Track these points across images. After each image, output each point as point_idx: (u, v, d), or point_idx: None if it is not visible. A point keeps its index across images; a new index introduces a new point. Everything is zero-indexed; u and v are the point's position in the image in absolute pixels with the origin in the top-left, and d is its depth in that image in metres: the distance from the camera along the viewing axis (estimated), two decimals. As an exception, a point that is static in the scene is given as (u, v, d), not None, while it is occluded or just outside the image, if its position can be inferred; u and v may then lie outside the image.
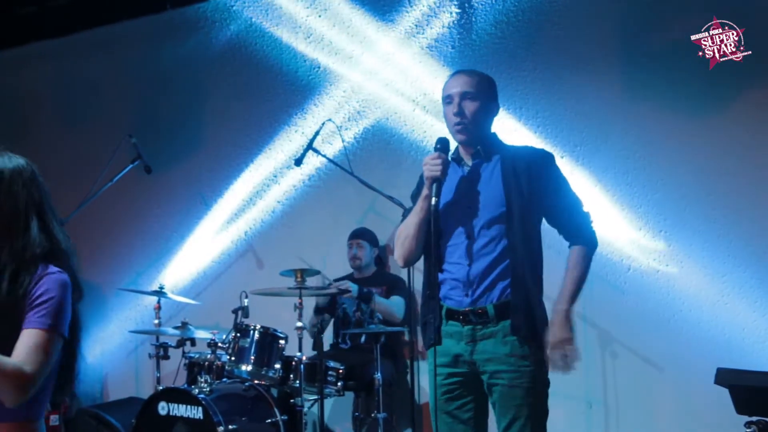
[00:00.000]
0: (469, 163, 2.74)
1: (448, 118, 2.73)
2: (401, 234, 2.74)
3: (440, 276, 2.69)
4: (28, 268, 1.91)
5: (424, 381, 4.87)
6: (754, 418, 2.91)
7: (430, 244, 2.67)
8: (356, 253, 4.82)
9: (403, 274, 4.59)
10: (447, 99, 2.73)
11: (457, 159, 2.77)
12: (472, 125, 2.68)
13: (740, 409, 3.02)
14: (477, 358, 2.62)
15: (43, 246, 1.95)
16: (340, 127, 5.04)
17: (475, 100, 2.69)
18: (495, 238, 2.63)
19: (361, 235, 4.85)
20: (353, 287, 4.50)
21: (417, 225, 2.67)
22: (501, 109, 2.85)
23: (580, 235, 2.71)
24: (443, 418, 2.68)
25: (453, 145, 2.76)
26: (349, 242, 4.86)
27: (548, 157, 2.76)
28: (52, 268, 1.94)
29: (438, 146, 2.67)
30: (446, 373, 2.67)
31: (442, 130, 4.90)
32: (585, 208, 2.75)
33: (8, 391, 1.82)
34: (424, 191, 2.63)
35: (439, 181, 2.60)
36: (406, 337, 4.79)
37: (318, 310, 4.89)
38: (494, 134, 2.79)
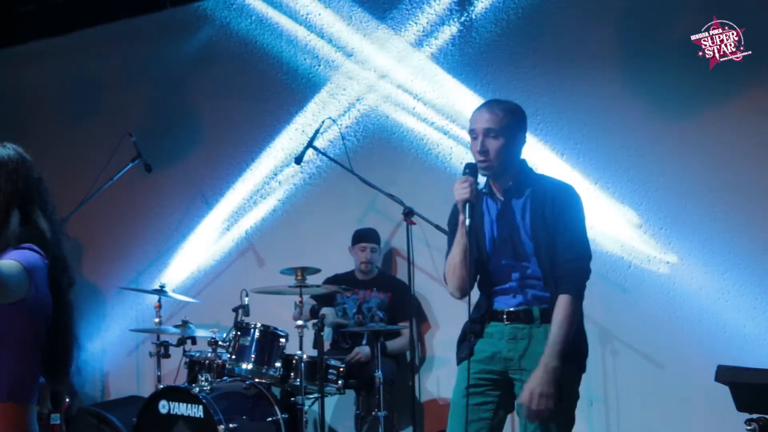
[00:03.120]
0: (501, 197, 2.76)
1: (473, 152, 2.75)
2: (449, 266, 2.75)
3: (494, 288, 2.75)
4: None
5: (425, 379, 4.88)
6: (755, 416, 2.91)
7: (482, 270, 2.73)
8: (371, 257, 4.78)
9: (403, 276, 4.58)
10: (472, 133, 2.74)
11: (489, 192, 2.79)
12: (496, 163, 2.69)
13: (741, 406, 3.02)
14: (514, 355, 2.66)
15: (20, 237, 1.95)
16: (341, 125, 5.03)
17: (499, 138, 2.68)
18: (533, 269, 2.69)
19: (374, 238, 4.81)
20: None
21: (461, 253, 2.69)
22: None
23: (570, 281, 2.64)
24: (462, 411, 2.67)
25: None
26: (360, 245, 4.79)
27: (572, 194, 2.74)
28: (24, 245, 1.94)
29: (467, 171, 2.70)
30: (479, 368, 2.70)
31: (442, 128, 4.94)
32: (587, 255, 2.69)
33: None
34: (460, 217, 2.67)
35: (470, 202, 2.64)
36: (407, 337, 4.78)
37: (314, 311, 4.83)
38: (523, 162, 2.80)
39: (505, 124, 2.70)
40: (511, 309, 2.69)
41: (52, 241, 2.02)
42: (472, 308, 2.76)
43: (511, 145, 2.71)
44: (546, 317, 2.65)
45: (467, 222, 2.62)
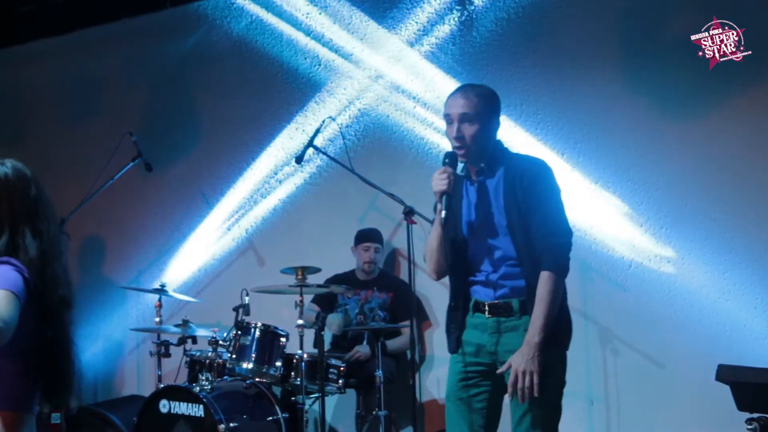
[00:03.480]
0: (476, 179, 2.79)
1: (449, 137, 2.78)
2: (427, 250, 2.84)
3: (470, 278, 2.78)
4: None
5: (425, 378, 4.88)
6: (756, 415, 2.92)
7: (457, 253, 2.77)
8: (374, 257, 4.78)
9: (404, 275, 4.58)
10: (447, 118, 2.77)
11: (467, 175, 2.81)
12: (473, 147, 2.72)
13: (741, 405, 3.02)
14: (500, 350, 2.69)
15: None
16: (341, 124, 5.03)
17: (474, 123, 2.71)
18: (507, 248, 2.71)
19: (377, 238, 4.81)
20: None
21: (437, 240, 2.77)
22: (501, 105, 2.85)
23: (548, 257, 2.64)
24: (457, 404, 2.74)
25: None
26: (364, 245, 4.79)
27: (541, 168, 2.76)
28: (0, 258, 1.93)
29: (446, 161, 2.73)
30: (467, 361, 2.73)
31: (442, 127, 4.93)
32: (564, 229, 2.70)
33: None
34: (438, 206, 2.72)
35: (447, 194, 2.68)
36: (407, 336, 4.78)
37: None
38: (499, 143, 2.82)
39: (480, 109, 2.72)
40: (493, 301, 2.72)
41: (40, 260, 1.99)
42: (449, 298, 2.84)
43: (485, 130, 2.74)
44: (525, 309, 2.67)
45: (443, 213, 2.67)
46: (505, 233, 2.70)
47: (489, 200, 2.75)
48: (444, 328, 2.92)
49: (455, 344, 2.78)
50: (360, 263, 4.82)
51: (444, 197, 2.67)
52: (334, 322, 4.42)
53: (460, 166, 2.75)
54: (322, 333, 4.10)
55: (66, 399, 2.05)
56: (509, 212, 2.69)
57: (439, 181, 2.68)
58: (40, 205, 2.04)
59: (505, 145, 2.85)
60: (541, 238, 2.65)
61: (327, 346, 4.60)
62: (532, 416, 2.63)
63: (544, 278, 2.62)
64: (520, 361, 2.57)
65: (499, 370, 2.65)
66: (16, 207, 1.97)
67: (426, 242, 2.85)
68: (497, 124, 2.81)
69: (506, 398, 2.75)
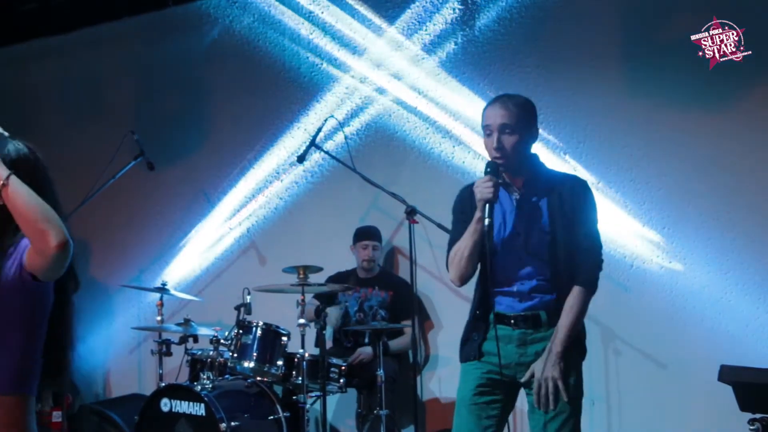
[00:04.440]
0: (520, 190, 2.77)
1: (487, 149, 2.76)
2: (456, 254, 2.77)
3: (496, 289, 2.76)
4: (2, 255, 1.90)
5: (427, 378, 4.88)
6: (758, 415, 2.91)
7: (485, 261, 2.74)
8: (372, 255, 4.78)
9: (406, 275, 4.58)
10: (486, 130, 2.75)
11: (506, 185, 2.79)
12: (514, 158, 2.71)
13: (744, 406, 3.02)
14: (525, 361, 2.69)
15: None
16: (343, 123, 5.03)
17: (514, 134, 2.70)
18: (543, 262, 2.70)
19: (375, 236, 4.82)
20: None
21: (472, 247, 2.71)
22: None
23: (583, 273, 2.70)
24: (471, 409, 2.73)
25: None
26: (362, 243, 4.80)
27: (587, 187, 2.80)
28: None
29: (488, 170, 2.70)
30: (488, 369, 2.72)
31: (444, 127, 4.94)
32: (600, 249, 2.76)
33: (57, 228, 1.81)
34: (477, 213, 2.67)
35: (491, 203, 2.65)
36: (409, 336, 4.78)
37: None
38: (536, 156, 2.82)
39: (519, 119, 2.71)
40: (519, 313, 2.71)
41: None
42: (472, 304, 2.82)
43: (525, 140, 2.73)
44: (553, 321, 2.67)
45: (486, 222, 2.64)
46: (545, 248, 2.69)
47: (532, 213, 2.73)
48: (446, 328, 2.92)
49: (477, 353, 2.74)
50: (359, 261, 4.83)
51: (487, 206, 2.64)
52: (332, 314, 4.45)
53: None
54: (324, 332, 4.10)
55: (62, 377, 2.05)
56: (554, 227, 2.69)
57: (485, 189, 2.64)
58: (55, 189, 2.04)
59: (541, 159, 2.85)
60: (582, 253, 2.70)
61: (328, 346, 4.60)
62: (561, 420, 2.65)
63: (576, 292, 2.67)
64: (542, 368, 2.61)
65: (523, 379, 2.67)
66: (39, 186, 1.96)
67: (453, 247, 2.79)
68: (536, 132, 2.80)
69: (522, 407, 2.78)
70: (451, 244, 2.81)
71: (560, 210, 2.70)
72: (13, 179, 1.85)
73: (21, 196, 1.84)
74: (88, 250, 5.81)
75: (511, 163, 2.72)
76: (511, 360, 2.70)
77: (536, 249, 2.70)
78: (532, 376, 2.64)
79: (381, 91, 5.16)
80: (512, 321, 2.71)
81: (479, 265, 2.78)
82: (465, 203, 2.78)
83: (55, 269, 1.87)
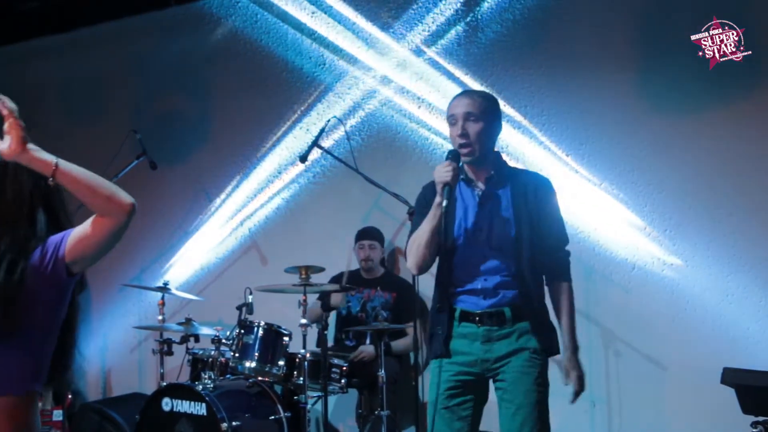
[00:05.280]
0: (482, 186, 2.79)
1: (452, 138, 2.80)
2: (414, 242, 2.78)
3: (457, 289, 2.77)
4: (27, 256, 1.89)
5: (428, 379, 4.87)
6: (761, 418, 2.92)
7: (444, 255, 2.76)
8: (369, 254, 4.79)
9: (407, 275, 4.58)
10: (451, 119, 2.80)
11: (467, 180, 2.81)
12: (477, 146, 2.75)
13: (746, 409, 3.02)
14: (490, 357, 2.71)
15: (45, 238, 1.94)
16: (346, 124, 5.03)
17: (479, 122, 2.75)
18: (506, 258, 2.73)
19: (373, 235, 4.82)
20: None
21: (430, 232, 2.71)
22: (507, 106, 2.88)
23: (563, 269, 2.82)
24: (442, 413, 2.74)
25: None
26: (360, 242, 4.81)
27: (551, 185, 2.88)
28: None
29: (449, 156, 2.74)
30: (456, 370, 2.73)
31: (445, 127, 4.92)
32: (567, 243, 2.86)
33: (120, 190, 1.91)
34: (437, 198, 2.67)
35: (449, 186, 2.66)
36: (411, 337, 4.78)
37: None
38: (498, 154, 2.88)
39: (484, 109, 2.77)
40: (484, 311, 2.72)
41: None
42: (432, 298, 2.85)
43: (489, 130, 2.78)
44: (517, 316, 2.71)
45: (444, 204, 2.64)
46: (510, 243, 2.72)
47: (496, 209, 2.75)
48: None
49: (443, 348, 2.75)
50: (359, 261, 4.83)
51: (446, 189, 2.66)
52: (336, 296, 4.46)
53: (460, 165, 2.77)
54: (325, 332, 4.10)
55: (65, 376, 2.05)
56: (519, 224, 2.73)
57: (444, 172, 2.66)
58: (63, 188, 2.05)
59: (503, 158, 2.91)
60: (554, 251, 2.80)
61: (330, 345, 4.60)
62: (528, 410, 2.69)
63: (565, 288, 2.80)
64: (576, 367, 2.73)
65: (569, 383, 2.74)
66: (47, 185, 1.97)
67: (414, 234, 2.79)
68: (499, 128, 2.85)
69: (491, 403, 2.80)
70: (411, 236, 2.83)
71: (524, 205, 2.75)
72: (61, 161, 1.86)
73: (74, 172, 1.88)
74: (90, 249, 5.79)
75: (476, 152, 2.74)
76: (476, 357, 2.72)
77: (499, 244, 2.73)
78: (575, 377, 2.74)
79: (384, 91, 5.16)
80: (477, 318, 2.72)
81: (438, 259, 2.79)
82: (428, 197, 2.79)
83: (121, 231, 1.97)
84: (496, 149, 2.86)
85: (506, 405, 2.70)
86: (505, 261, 2.72)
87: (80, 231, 1.92)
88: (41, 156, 1.85)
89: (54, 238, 1.92)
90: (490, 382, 2.76)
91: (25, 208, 1.94)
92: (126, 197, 1.97)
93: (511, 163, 3.04)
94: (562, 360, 2.76)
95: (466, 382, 2.73)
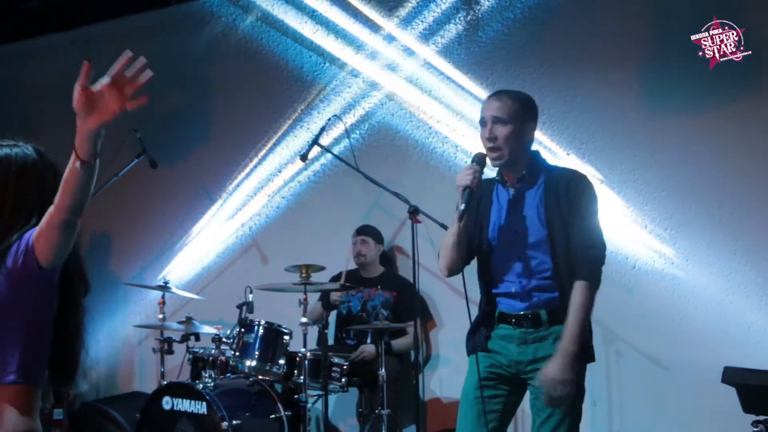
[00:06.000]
0: (514, 186, 2.78)
1: (482, 140, 2.77)
2: (442, 245, 2.80)
3: (494, 290, 2.77)
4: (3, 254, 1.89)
5: (429, 377, 4.87)
6: (761, 417, 2.91)
7: (481, 257, 2.76)
8: (361, 249, 4.80)
9: (408, 274, 4.58)
10: (481, 121, 2.77)
11: (502, 181, 2.80)
12: (506, 149, 2.71)
13: (747, 408, 3.02)
14: (523, 359, 2.69)
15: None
16: (346, 123, 5.02)
17: (507, 125, 2.71)
18: (542, 259, 2.70)
19: (364, 231, 4.84)
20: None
21: (454, 235, 2.73)
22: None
23: (586, 268, 2.67)
24: (474, 402, 2.73)
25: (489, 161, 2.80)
26: (352, 239, 4.84)
27: (585, 180, 2.78)
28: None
29: (474, 160, 2.73)
30: (490, 363, 2.74)
31: (447, 126, 4.94)
32: (602, 243, 2.73)
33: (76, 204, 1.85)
34: (458, 201, 2.68)
35: (470, 189, 2.65)
36: (412, 336, 4.78)
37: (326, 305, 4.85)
38: (536, 153, 2.83)
39: (513, 112, 2.72)
40: (520, 313, 2.71)
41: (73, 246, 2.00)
42: (480, 300, 2.82)
43: (519, 133, 2.73)
44: (554, 319, 2.67)
45: (461, 207, 2.64)
46: (543, 243, 2.69)
47: (527, 209, 2.73)
48: (448, 328, 2.93)
49: (482, 345, 2.74)
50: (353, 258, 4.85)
51: (465, 192, 2.65)
52: (336, 293, 4.47)
53: (495, 171, 2.76)
54: (326, 331, 4.09)
55: (73, 378, 2.05)
56: (551, 222, 2.68)
57: (464, 176, 2.66)
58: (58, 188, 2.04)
59: (543, 156, 2.86)
60: (582, 249, 2.67)
61: (330, 344, 4.60)
62: (555, 422, 2.65)
63: (581, 288, 2.64)
64: (555, 370, 2.58)
65: (537, 383, 2.64)
66: (47, 190, 1.96)
67: (443, 238, 2.82)
68: (533, 129, 2.80)
69: (525, 403, 2.78)
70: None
71: (556, 204, 2.69)
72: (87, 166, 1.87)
73: (82, 180, 1.88)
74: (90, 248, 5.80)
75: (505, 155, 2.71)
76: (512, 358, 2.71)
77: (533, 245, 2.70)
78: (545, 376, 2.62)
79: (384, 90, 5.16)
80: (513, 320, 2.71)
81: (477, 261, 2.80)
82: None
83: (67, 225, 1.85)
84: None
85: (538, 411, 2.68)
86: (540, 262, 2.69)
87: (42, 222, 1.88)
88: (94, 143, 1.81)
89: (29, 232, 1.91)
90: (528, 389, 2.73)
91: (19, 223, 1.93)
92: (67, 207, 1.86)
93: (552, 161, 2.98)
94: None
95: (501, 376, 2.73)
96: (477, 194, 2.70)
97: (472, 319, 2.82)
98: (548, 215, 2.69)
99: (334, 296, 4.68)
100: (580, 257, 2.66)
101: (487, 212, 2.77)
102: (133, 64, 1.75)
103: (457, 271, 2.80)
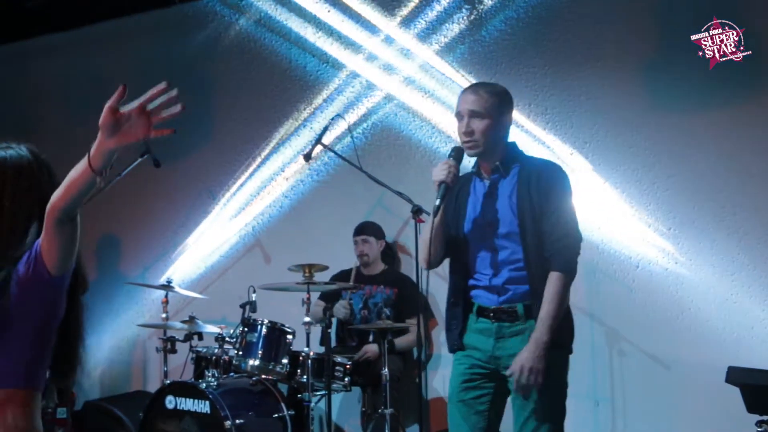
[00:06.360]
0: (489, 177, 2.79)
1: (458, 134, 2.79)
2: (420, 240, 2.89)
3: (471, 282, 2.78)
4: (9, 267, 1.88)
5: (432, 376, 4.87)
6: (766, 417, 2.91)
7: (457, 250, 2.78)
8: (363, 249, 4.80)
9: (411, 271, 4.58)
10: (457, 115, 2.79)
11: (478, 173, 2.82)
12: (482, 142, 2.73)
13: (751, 408, 3.02)
14: (503, 354, 2.69)
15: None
16: (349, 122, 5.02)
17: (484, 119, 2.72)
18: (514, 249, 2.70)
19: (365, 230, 4.83)
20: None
21: (430, 230, 2.77)
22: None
23: (559, 259, 2.66)
24: (459, 406, 2.75)
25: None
26: (354, 239, 4.83)
27: (557, 171, 2.79)
28: None
29: (452, 154, 2.76)
30: (472, 363, 2.74)
31: (448, 125, 4.93)
32: (576, 233, 2.71)
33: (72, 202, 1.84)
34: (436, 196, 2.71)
35: (446, 185, 2.68)
36: (415, 334, 4.77)
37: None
38: (513, 145, 2.84)
39: (490, 105, 2.74)
40: (497, 306, 2.72)
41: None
42: (447, 293, 2.85)
43: (496, 126, 2.75)
44: (530, 313, 2.67)
45: (437, 203, 2.68)
46: (514, 234, 2.70)
47: (500, 200, 2.74)
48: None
49: (458, 343, 2.77)
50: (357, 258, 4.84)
51: (441, 187, 2.68)
52: (340, 308, 4.46)
53: (471, 162, 2.77)
54: (329, 330, 4.09)
55: (72, 375, 2.05)
56: (522, 213, 2.68)
57: (440, 171, 2.70)
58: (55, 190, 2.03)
59: (520, 147, 2.86)
60: (554, 241, 2.67)
61: (333, 344, 4.60)
62: (536, 418, 2.64)
63: (554, 278, 2.64)
64: (526, 358, 2.58)
65: (508, 372, 2.65)
66: (44, 191, 1.96)
67: (421, 232, 2.88)
68: (509, 121, 2.81)
69: (509, 402, 2.77)
70: None
71: (528, 194, 2.69)
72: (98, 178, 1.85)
73: (87, 184, 1.87)
74: (93, 247, 5.81)
75: (481, 148, 2.73)
76: (489, 353, 2.71)
77: (505, 235, 2.71)
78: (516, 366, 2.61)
79: (387, 90, 5.16)
80: (492, 314, 2.72)
81: (451, 253, 2.82)
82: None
83: (62, 226, 1.85)
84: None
85: (517, 412, 2.68)
86: (513, 252, 2.70)
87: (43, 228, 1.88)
88: (109, 159, 1.81)
89: (38, 240, 1.91)
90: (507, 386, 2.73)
91: (21, 226, 1.93)
92: (64, 204, 1.85)
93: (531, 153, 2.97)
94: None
95: (482, 375, 2.73)
96: (453, 189, 2.73)
97: None
98: (520, 205, 2.69)
99: (339, 313, 4.65)
100: (553, 248, 2.66)
101: (464, 205, 2.79)
102: (167, 93, 1.75)
103: (436, 265, 2.87)
